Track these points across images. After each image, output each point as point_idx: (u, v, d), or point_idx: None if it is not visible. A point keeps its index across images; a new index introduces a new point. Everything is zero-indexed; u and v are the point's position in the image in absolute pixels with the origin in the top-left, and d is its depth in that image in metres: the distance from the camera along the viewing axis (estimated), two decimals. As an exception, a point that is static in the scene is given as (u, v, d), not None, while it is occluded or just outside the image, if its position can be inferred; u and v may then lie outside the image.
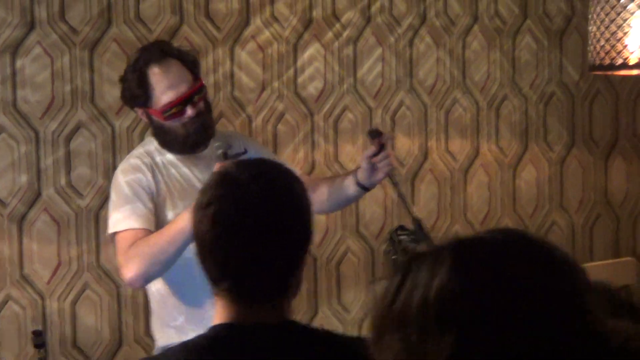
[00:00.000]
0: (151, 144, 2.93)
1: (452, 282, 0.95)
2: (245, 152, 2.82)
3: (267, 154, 3.16)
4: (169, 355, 1.79)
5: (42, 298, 3.50)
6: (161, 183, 2.79)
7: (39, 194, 3.49)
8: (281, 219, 1.71)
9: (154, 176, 2.82)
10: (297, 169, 3.24)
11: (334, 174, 3.92)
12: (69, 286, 3.54)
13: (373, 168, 2.82)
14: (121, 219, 2.72)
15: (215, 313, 1.71)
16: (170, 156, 2.85)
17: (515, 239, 1.07)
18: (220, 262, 1.67)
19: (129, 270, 2.71)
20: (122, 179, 2.81)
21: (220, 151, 2.73)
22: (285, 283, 1.71)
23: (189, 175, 2.84)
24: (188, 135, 2.82)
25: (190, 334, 1.76)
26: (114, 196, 2.81)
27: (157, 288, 2.87)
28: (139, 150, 2.95)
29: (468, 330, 0.94)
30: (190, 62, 2.90)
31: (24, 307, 3.51)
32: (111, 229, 2.75)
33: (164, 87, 2.81)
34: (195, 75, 2.90)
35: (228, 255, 1.67)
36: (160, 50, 2.88)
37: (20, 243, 3.47)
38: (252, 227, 1.65)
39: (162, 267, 2.73)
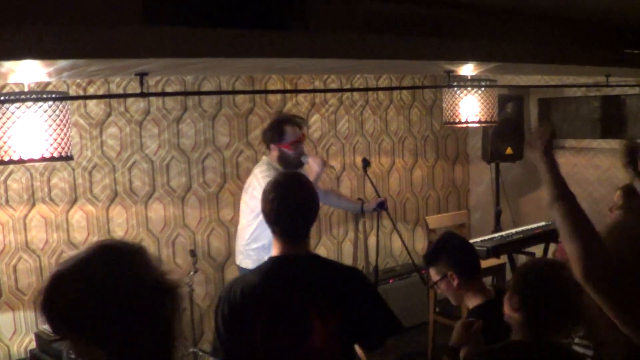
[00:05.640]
0: (267, 162, 4.67)
1: None
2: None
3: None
4: (253, 271, 2.71)
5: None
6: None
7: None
8: (303, 200, 2.59)
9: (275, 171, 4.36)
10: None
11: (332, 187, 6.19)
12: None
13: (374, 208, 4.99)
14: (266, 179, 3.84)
15: (273, 250, 2.61)
16: (279, 168, 4.57)
17: None
18: (277, 223, 2.57)
19: None
20: (265, 170, 4.53)
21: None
22: (308, 232, 2.62)
23: None
24: (298, 161, 4.63)
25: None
26: (264, 174, 4.46)
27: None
28: (264, 164, 4.69)
29: None
30: (299, 124, 4.75)
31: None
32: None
33: (292, 133, 4.64)
34: (302, 129, 4.75)
35: (281, 220, 2.55)
36: (288, 118, 4.79)
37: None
38: (292, 208, 2.54)
39: None
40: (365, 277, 2.84)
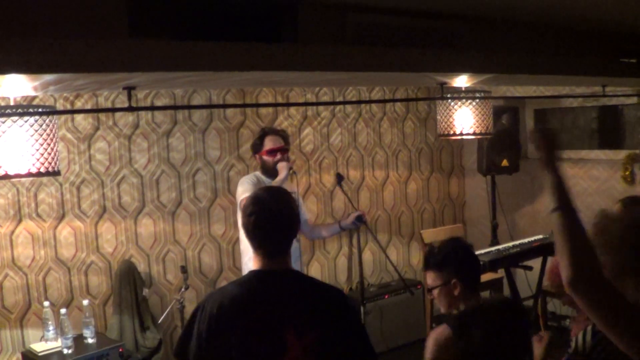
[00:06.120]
0: (253, 173, 4.95)
1: None
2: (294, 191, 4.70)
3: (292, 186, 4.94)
4: (232, 284, 2.68)
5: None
6: (258, 184, 4.63)
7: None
8: (283, 217, 2.61)
9: (258, 182, 4.74)
10: (308, 215, 5.41)
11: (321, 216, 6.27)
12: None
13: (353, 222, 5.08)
14: (244, 193, 4.51)
15: (253, 264, 2.64)
16: (264, 178, 4.85)
17: None
18: (256, 238, 2.59)
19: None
20: (246, 181, 4.75)
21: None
22: (287, 247, 2.63)
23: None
24: (274, 167, 4.78)
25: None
26: (244, 186, 4.66)
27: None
28: (251, 174, 4.95)
29: None
30: (284, 136, 4.95)
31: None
32: (240, 197, 4.58)
33: (271, 142, 4.84)
34: (286, 142, 4.92)
35: (259, 234, 2.58)
36: (272, 130, 4.99)
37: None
38: (271, 222, 2.56)
39: None
40: (347, 299, 2.80)
